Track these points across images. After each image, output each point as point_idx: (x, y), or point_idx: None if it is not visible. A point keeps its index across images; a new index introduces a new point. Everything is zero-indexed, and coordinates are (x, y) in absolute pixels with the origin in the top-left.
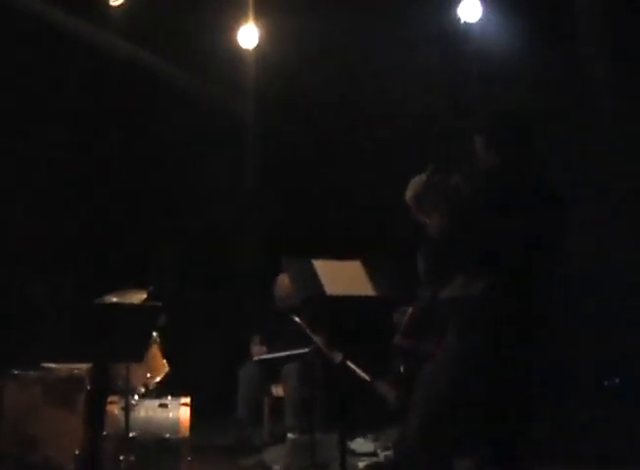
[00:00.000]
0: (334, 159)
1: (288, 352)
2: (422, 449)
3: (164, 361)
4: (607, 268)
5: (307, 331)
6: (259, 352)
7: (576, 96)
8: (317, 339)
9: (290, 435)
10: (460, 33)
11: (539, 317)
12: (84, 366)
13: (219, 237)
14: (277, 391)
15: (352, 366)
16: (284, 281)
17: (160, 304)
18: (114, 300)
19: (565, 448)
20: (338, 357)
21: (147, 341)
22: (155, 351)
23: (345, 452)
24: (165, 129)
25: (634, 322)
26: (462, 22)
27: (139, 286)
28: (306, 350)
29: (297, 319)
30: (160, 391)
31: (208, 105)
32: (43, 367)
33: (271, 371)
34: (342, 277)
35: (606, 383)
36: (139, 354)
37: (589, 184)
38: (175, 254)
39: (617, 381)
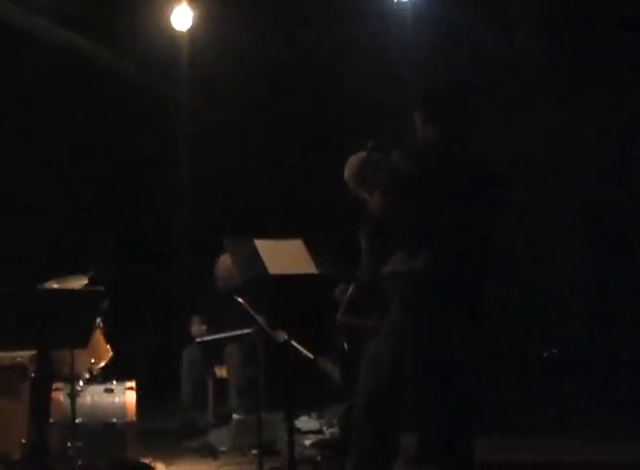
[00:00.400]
0: (268, 139)
1: (230, 333)
2: (369, 426)
3: (108, 346)
4: (543, 242)
5: (250, 311)
6: (200, 333)
7: (513, 75)
8: (260, 319)
9: (235, 415)
10: (394, 12)
11: (480, 289)
12: (26, 354)
13: (156, 219)
14: (220, 372)
15: (296, 345)
16: (225, 262)
17: (102, 288)
18: (55, 286)
19: (504, 419)
20: (281, 337)
21: (91, 326)
22: (98, 336)
23: (293, 431)
24: (99, 112)
25: (571, 295)
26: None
27: (79, 272)
28: (249, 330)
29: (239, 299)
30: (104, 376)
31: (141, 86)
32: None
33: (214, 352)
34: (285, 256)
35: (544, 354)
36: (84, 340)
37: (523, 162)
38: (112, 238)
39: (554, 351)
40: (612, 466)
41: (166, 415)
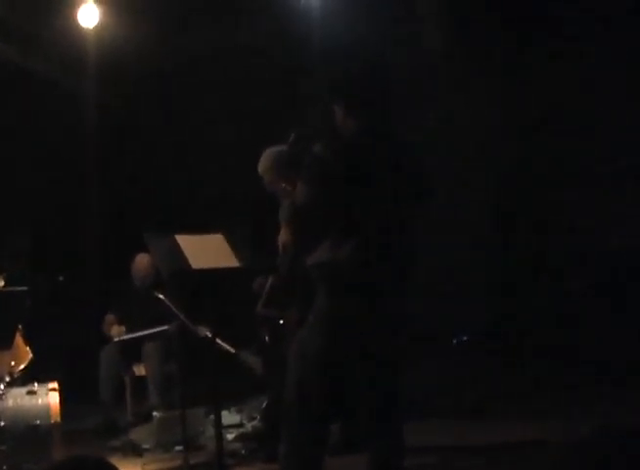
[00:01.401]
0: (174, 134)
1: (149, 331)
2: (301, 414)
3: (27, 348)
4: (454, 227)
5: (171, 307)
6: (118, 332)
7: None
8: (180, 314)
9: (156, 413)
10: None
11: (402, 276)
12: None
13: (66, 218)
14: (139, 370)
15: (217, 340)
16: (142, 260)
17: (26, 288)
18: None
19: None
20: (203, 332)
21: (15, 327)
22: (17, 338)
23: (220, 423)
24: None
25: (478, 281)
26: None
27: None
28: (166, 327)
29: (160, 296)
30: (24, 378)
31: (48, 81)
32: None
33: (132, 351)
34: (206, 251)
35: (454, 340)
36: (8, 341)
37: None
38: (26, 237)
39: (464, 338)
40: (534, 443)
41: (87, 414)
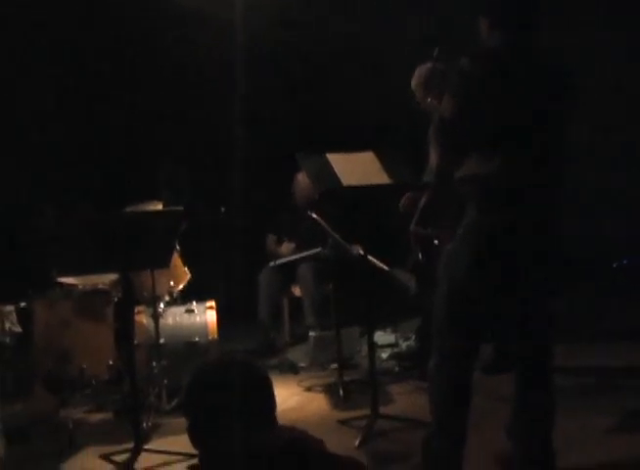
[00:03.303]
0: (334, 50)
1: (301, 254)
2: (450, 326)
3: (185, 269)
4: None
5: (325, 226)
6: (287, 249)
7: None
8: (335, 233)
9: (311, 333)
10: None
11: (555, 192)
12: (108, 279)
13: (225, 145)
14: (296, 291)
15: (371, 258)
16: (302, 179)
17: (182, 208)
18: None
19: (580, 325)
20: (356, 250)
21: (172, 246)
22: (175, 259)
23: (373, 341)
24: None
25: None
26: None
27: (151, 199)
28: (318, 250)
29: (314, 215)
30: (183, 298)
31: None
32: (68, 285)
33: (289, 273)
34: (357, 168)
35: (615, 264)
36: (166, 260)
37: None
38: (183, 166)
39: (625, 262)
40: None
41: (245, 335)
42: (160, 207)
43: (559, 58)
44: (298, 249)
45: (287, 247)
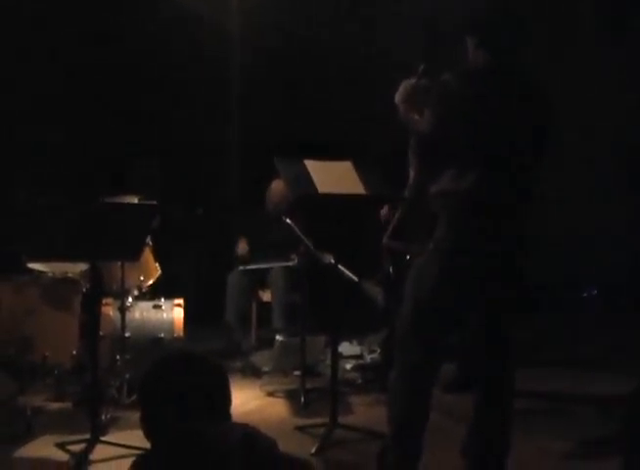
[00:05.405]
0: (317, 62)
1: (273, 264)
2: (414, 339)
3: (156, 265)
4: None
5: (298, 232)
6: (244, 252)
7: None
8: (307, 240)
9: (278, 337)
10: None
11: (524, 213)
12: (78, 269)
13: (201, 142)
14: (265, 296)
15: (341, 268)
16: (278, 186)
17: (156, 203)
18: None
19: (544, 350)
20: (327, 259)
21: (144, 240)
22: (147, 254)
23: (336, 350)
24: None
25: (611, 231)
26: None
27: (127, 193)
28: (290, 263)
29: (288, 221)
30: (152, 294)
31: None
32: (38, 271)
33: (259, 276)
34: (334, 176)
35: (585, 294)
36: (136, 253)
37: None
38: (153, 163)
39: (594, 292)
40: None
41: (210, 335)
42: (135, 201)
43: (540, 81)
44: (261, 255)
45: (242, 245)
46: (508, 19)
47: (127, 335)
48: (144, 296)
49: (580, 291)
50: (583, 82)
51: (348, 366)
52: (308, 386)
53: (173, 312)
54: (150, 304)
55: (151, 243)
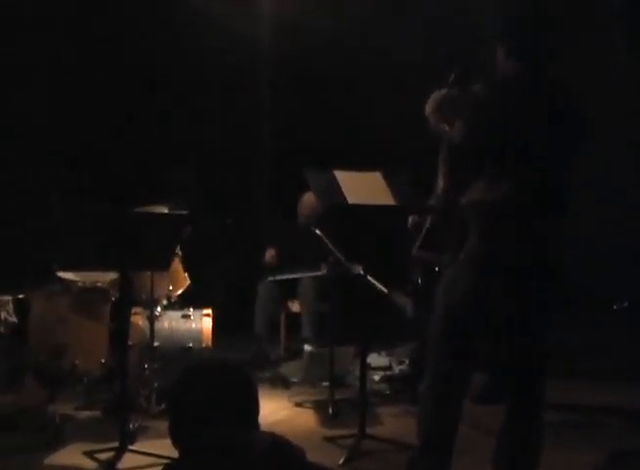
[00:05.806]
0: (350, 72)
1: (303, 274)
2: (444, 349)
3: (185, 274)
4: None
5: (327, 243)
6: (271, 260)
7: None
8: (336, 252)
9: (307, 347)
10: None
11: (560, 222)
12: (108, 278)
13: (233, 151)
14: (294, 306)
15: (370, 279)
16: (309, 199)
17: (187, 213)
18: None
19: (573, 363)
20: (357, 270)
21: (174, 250)
22: (176, 264)
23: (365, 360)
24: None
25: None
26: None
27: (158, 202)
28: (320, 273)
29: (317, 232)
30: (181, 303)
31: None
32: (68, 280)
33: (288, 287)
34: (363, 187)
35: (615, 306)
36: (166, 263)
37: None
38: (189, 172)
39: (625, 304)
40: None
41: (239, 346)
42: (165, 210)
43: (573, 90)
44: (290, 266)
45: (270, 254)
46: (540, 26)
47: (156, 344)
48: (173, 305)
49: (612, 303)
50: (602, 82)
51: (377, 377)
52: (337, 397)
53: (202, 322)
54: (179, 313)
55: (180, 253)
